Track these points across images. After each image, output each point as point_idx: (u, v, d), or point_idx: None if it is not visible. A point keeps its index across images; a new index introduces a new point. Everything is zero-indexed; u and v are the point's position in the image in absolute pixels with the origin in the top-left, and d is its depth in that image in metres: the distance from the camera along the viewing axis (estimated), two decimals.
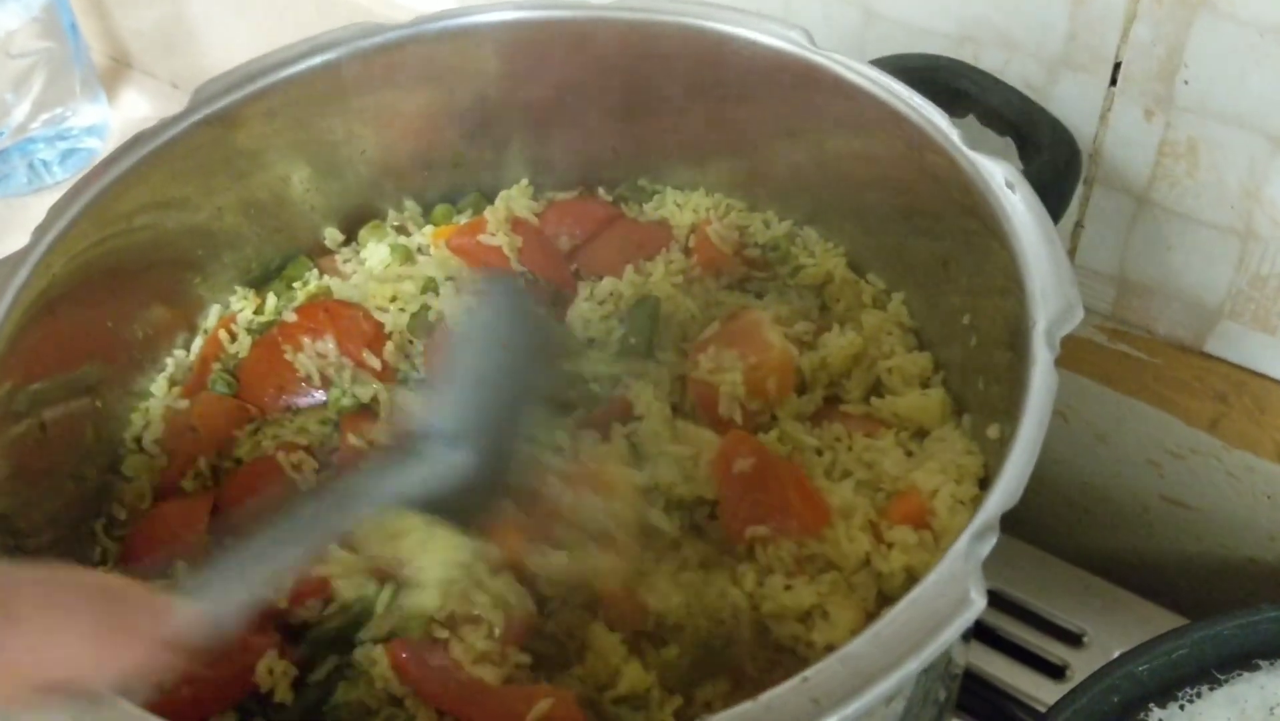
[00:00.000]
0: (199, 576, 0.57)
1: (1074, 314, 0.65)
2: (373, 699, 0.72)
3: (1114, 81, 0.84)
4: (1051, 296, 0.66)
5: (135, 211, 0.82)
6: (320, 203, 0.94)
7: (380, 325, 0.89)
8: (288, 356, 0.86)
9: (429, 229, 0.96)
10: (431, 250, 0.94)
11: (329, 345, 0.87)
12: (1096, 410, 1.00)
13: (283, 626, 0.74)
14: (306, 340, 0.87)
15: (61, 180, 1.36)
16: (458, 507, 0.69)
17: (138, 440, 0.85)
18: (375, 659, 0.72)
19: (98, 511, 0.82)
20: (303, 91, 0.86)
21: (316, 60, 0.86)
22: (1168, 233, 0.88)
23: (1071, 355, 0.97)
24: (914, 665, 0.54)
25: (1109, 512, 1.06)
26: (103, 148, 1.39)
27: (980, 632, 0.96)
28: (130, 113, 1.46)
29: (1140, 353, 0.95)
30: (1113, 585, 0.99)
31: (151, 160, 0.81)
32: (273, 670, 0.72)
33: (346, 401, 0.85)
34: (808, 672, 0.54)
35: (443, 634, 0.71)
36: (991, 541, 0.57)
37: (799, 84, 0.82)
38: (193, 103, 0.84)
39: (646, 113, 0.92)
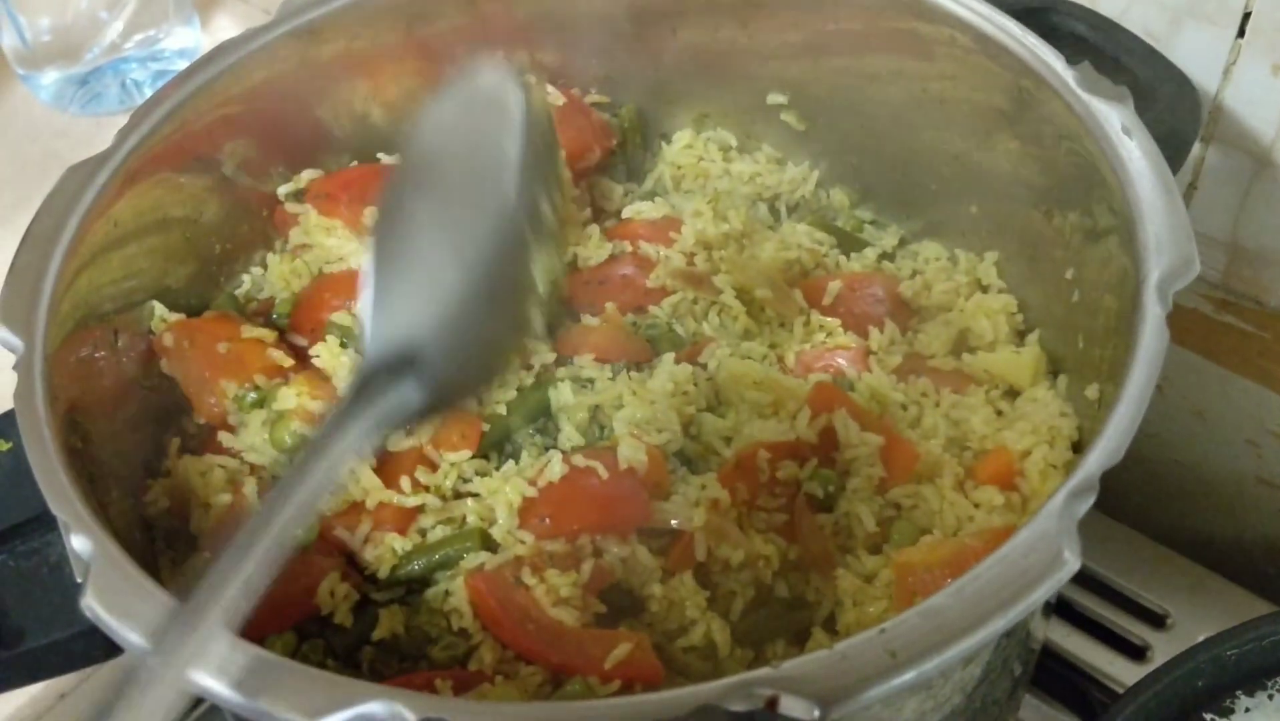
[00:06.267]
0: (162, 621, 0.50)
1: (1190, 268, 0.61)
2: (433, 627, 0.70)
3: (1241, 33, 0.80)
4: (1166, 248, 0.62)
5: (217, 119, 0.81)
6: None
7: None
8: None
9: None
10: None
11: None
12: (1196, 384, 0.95)
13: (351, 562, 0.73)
14: None
15: None
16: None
17: None
18: (453, 590, 0.70)
19: (167, 426, 0.81)
20: (390, 7, 0.84)
21: None
22: None
23: (1174, 325, 0.92)
24: (1000, 624, 0.51)
25: (1201, 492, 1.02)
26: None
27: (1060, 608, 0.93)
28: (222, 37, 1.44)
29: (1248, 325, 0.91)
30: (1200, 567, 0.95)
31: (236, 70, 0.80)
32: (334, 593, 0.71)
33: None
34: (886, 624, 0.51)
35: (531, 580, 0.69)
36: (1089, 501, 0.54)
37: (907, 19, 0.79)
38: (280, 14, 0.82)
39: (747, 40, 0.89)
